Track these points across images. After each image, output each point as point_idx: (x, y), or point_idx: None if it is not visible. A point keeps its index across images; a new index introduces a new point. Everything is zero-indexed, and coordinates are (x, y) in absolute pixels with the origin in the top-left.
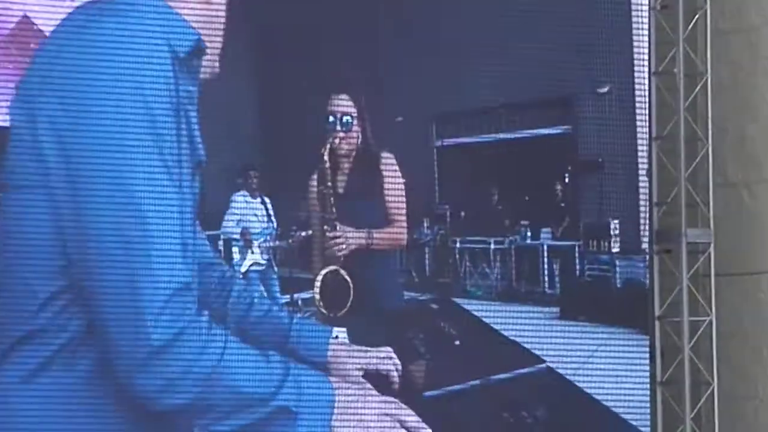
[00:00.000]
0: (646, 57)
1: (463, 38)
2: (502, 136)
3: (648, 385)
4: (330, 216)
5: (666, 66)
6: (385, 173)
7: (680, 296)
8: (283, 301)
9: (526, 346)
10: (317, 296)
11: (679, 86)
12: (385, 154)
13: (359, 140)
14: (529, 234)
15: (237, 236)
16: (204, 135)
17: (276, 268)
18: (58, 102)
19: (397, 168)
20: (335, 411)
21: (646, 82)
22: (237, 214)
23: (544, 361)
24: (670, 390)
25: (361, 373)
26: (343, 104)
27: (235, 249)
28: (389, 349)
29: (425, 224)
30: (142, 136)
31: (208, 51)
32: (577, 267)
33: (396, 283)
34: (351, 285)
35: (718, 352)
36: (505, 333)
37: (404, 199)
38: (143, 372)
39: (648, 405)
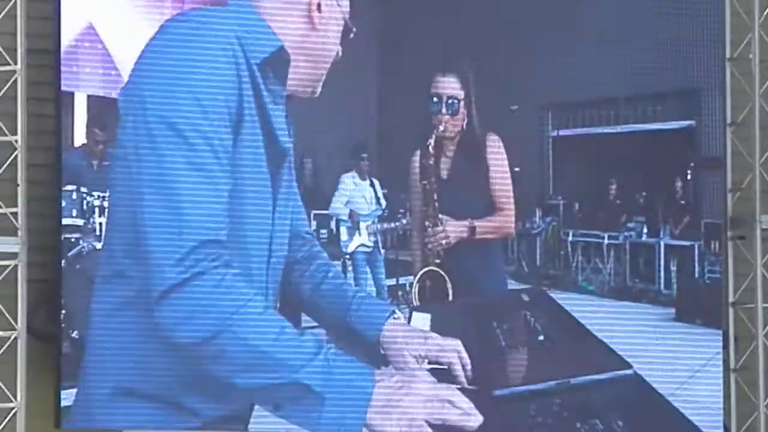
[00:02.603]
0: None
1: (583, 28)
2: (621, 128)
3: (721, 372)
4: (432, 211)
5: (741, 51)
6: (490, 158)
7: (754, 283)
8: (388, 284)
9: (637, 346)
10: (415, 296)
11: (754, 72)
12: (491, 137)
13: (465, 123)
14: (645, 230)
15: (345, 217)
16: (318, 117)
17: (382, 251)
18: (148, 97)
19: (503, 152)
20: (372, 402)
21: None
22: (345, 195)
23: (631, 366)
24: (744, 377)
25: (414, 360)
26: (450, 86)
27: (342, 229)
28: (457, 341)
29: (537, 214)
30: (196, 128)
31: (310, 75)
32: (696, 268)
33: (498, 272)
34: (449, 283)
35: None
36: (616, 331)
37: (511, 185)
38: (159, 306)
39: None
